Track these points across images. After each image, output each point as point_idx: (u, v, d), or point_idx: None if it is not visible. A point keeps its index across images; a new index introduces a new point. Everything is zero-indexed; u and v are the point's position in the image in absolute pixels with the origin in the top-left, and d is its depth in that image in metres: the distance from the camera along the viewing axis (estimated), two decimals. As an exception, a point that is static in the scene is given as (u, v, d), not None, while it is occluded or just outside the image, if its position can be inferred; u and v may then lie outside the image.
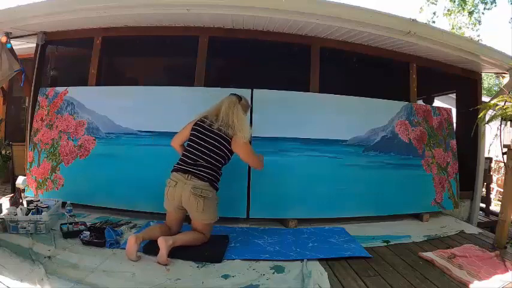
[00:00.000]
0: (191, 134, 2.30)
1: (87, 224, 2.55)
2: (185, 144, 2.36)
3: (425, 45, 3.30)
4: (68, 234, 2.36)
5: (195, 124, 2.32)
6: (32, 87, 3.45)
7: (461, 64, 3.85)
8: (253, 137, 2.96)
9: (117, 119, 3.08)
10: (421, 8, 9.28)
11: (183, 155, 2.29)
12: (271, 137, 3.00)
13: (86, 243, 2.25)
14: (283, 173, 2.98)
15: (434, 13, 9.21)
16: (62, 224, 2.47)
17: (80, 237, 2.30)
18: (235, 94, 2.42)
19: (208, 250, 2.20)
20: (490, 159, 4.70)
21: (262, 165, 2.45)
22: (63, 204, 2.70)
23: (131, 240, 2.03)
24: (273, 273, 2.00)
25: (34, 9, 3.05)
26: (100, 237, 2.30)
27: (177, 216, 2.29)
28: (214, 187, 2.24)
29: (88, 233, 2.33)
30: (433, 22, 9.17)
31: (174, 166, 2.28)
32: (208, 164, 2.22)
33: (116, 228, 2.49)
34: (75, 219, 2.56)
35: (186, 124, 2.39)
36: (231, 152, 2.29)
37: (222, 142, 2.24)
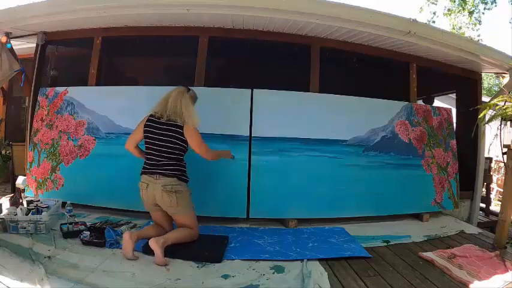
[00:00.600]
0: (145, 135, 2.30)
1: (87, 224, 2.56)
2: (144, 146, 2.36)
3: (425, 45, 3.30)
4: (68, 234, 2.37)
5: (146, 122, 2.31)
6: (32, 87, 3.45)
7: (461, 64, 3.85)
8: (254, 137, 2.97)
9: (117, 119, 3.08)
10: (421, 8, 9.28)
11: (146, 157, 2.31)
12: (271, 137, 3.00)
13: (86, 243, 2.26)
14: (283, 173, 2.98)
15: (434, 13, 9.22)
16: (62, 224, 2.47)
17: (80, 237, 2.31)
18: (183, 85, 2.45)
19: (208, 250, 2.21)
20: (490, 159, 4.70)
21: (212, 156, 2.43)
22: (63, 204, 2.70)
23: (125, 237, 2.06)
24: (273, 273, 2.01)
25: (34, 9, 3.05)
26: (100, 237, 2.30)
27: (160, 214, 2.32)
28: (183, 180, 2.28)
29: (88, 233, 2.34)
30: (433, 22, 9.17)
31: (142, 169, 2.31)
32: (170, 160, 2.25)
33: (115, 228, 2.49)
34: (75, 219, 2.56)
35: (136, 125, 2.38)
36: (186, 142, 2.31)
37: (175, 133, 2.25)
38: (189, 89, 2.43)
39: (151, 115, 2.32)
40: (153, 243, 2.02)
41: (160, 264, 2.00)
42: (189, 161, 2.90)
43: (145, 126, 2.30)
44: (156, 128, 2.27)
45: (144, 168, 2.30)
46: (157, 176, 2.22)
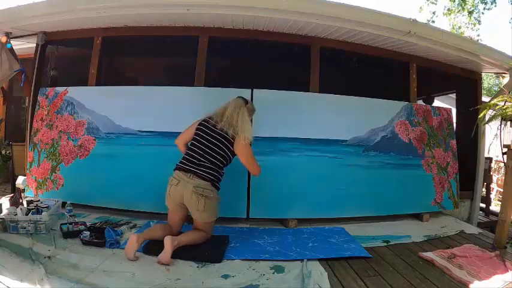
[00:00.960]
0: (195, 134, 2.32)
1: (87, 224, 2.56)
2: (189, 144, 2.37)
3: (425, 45, 3.30)
4: (68, 234, 2.37)
5: (200, 124, 2.34)
6: (32, 87, 3.45)
7: (461, 64, 3.85)
8: (254, 137, 2.97)
9: (117, 119, 3.08)
10: (420, 8, 9.28)
11: (187, 153, 2.31)
12: (271, 137, 3.00)
13: (86, 243, 2.26)
14: (283, 173, 2.98)
15: (433, 13, 9.22)
16: (62, 224, 2.47)
17: (80, 237, 2.30)
18: (242, 97, 2.46)
19: (208, 250, 2.20)
20: (490, 159, 4.70)
21: (259, 172, 2.44)
22: (63, 204, 2.70)
23: (132, 239, 2.04)
24: (273, 273, 2.00)
25: (34, 9, 3.05)
26: (100, 237, 2.30)
27: (178, 215, 2.30)
28: (215, 187, 2.26)
29: (88, 233, 2.34)
30: (433, 22, 9.17)
31: (177, 165, 2.30)
32: (210, 164, 2.24)
33: (115, 228, 2.49)
34: (75, 219, 2.56)
35: (191, 123, 2.41)
36: (233, 154, 2.31)
37: (225, 142, 2.26)
38: (247, 102, 2.45)
39: (208, 118, 2.34)
40: (168, 242, 2.01)
41: (164, 263, 1.99)
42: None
43: (200, 125, 2.33)
44: (208, 130, 2.29)
45: (180, 163, 2.28)
46: (192, 175, 2.20)
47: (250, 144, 2.33)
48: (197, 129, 2.33)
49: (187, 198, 2.18)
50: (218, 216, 2.33)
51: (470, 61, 3.66)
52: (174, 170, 2.29)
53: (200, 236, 2.25)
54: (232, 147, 2.27)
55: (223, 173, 2.33)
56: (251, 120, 2.90)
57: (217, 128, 2.28)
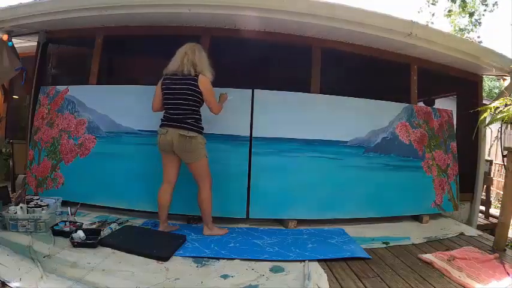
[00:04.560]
0: (163, 93, 2.47)
1: (84, 224, 2.53)
2: (163, 103, 2.52)
3: (426, 47, 3.30)
4: (59, 234, 2.33)
5: (162, 83, 2.48)
6: (33, 86, 3.45)
7: (462, 66, 3.84)
8: (254, 137, 2.97)
9: (118, 118, 3.09)
10: (420, 9, 9.27)
11: (165, 112, 2.49)
12: (272, 138, 3.00)
13: (78, 245, 2.19)
14: (283, 173, 2.98)
15: (433, 14, 9.23)
16: (54, 226, 2.41)
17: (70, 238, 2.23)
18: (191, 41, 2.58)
19: (158, 248, 2.18)
20: (490, 162, 4.70)
21: (219, 110, 2.58)
22: (64, 202, 2.70)
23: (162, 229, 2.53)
24: (272, 273, 2.00)
25: (36, 8, 3.06)
26: (94, 238, 2.24)
27: (173, 164, 2.51)
28: (198, 129, 2.45)
29: (81, 234, 2.24)
30: (432, 23, 9.17)
31: (161, 123, 2.48)
32: (187, 113, 2.42)
33: (106, 226, 2.49)
34: (75, 218, 2.56)
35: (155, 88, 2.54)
36: (201, 93, 2.43)
37: (191, 86, 2.40)
38: (198, 43, 2.58)
39: (165, 75, 2.48)
40: (208, 232, 2.54)
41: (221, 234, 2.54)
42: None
43: (163, 85, 2.47)
44: (172, 84, 2.43)
45: (162, 121, 2.48)
46: (176, 126, 2.41)
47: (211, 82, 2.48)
48: (162, 88, 2.47)
49: (176, 143, 2.39)
50: (207, 156, 2.49)
51: (471, 63, 3.66)
52: (160, 126, 2.48)
53: (206, 199, 2.51)
54: (198, 88, 2.40)
55: (200, 114, 2.50)
56: (251, 121, 2.93)
57: (178, 76, 2.41)
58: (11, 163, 4.00)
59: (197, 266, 2.05)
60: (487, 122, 2.78)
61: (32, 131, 3.29)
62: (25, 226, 2.35)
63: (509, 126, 2.65)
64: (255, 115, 2.99)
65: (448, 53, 3.40)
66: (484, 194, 4.55)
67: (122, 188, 2.96)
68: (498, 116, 2.66)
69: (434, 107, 4.34)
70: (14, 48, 3.42)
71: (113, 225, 2.56)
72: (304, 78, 3.40)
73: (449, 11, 8.92)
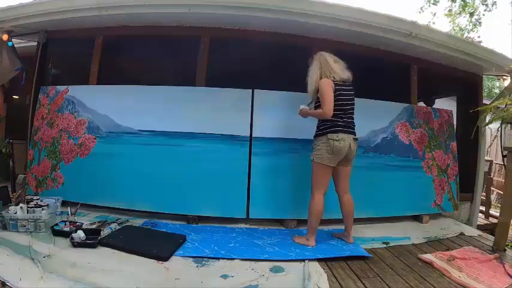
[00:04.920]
0: (337, 97, 2.43)
1: (84, 224, 2.53)
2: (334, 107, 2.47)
3: (426, 47, 3.30)
4: (59, 234, 2.33)
5: (336, 89, 2.44)
6: (33, 86, 3.45)
7: (462, 66, 3.84)
8: (254, 137, 2.97)
9: (118, 118, 3.09)
10: (421, 9, 9.26)
11: (339, 118, 2.44)
12: (272, 138, 3.00)
13: (78, 245, 2.20)
14: (283, 173, 2.97)
15: (434, 14, 9.26)
16: (54, 226, 2.42)
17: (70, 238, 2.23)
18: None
19: (158, 248, 2.19)
20: (490, 162, 4.70)
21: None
22: (64, 202, 2.70)
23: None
24: (272, 273, 2.00)
25: (36, 8, 3.06)
26: (93, 238, 2.25)
27: (343, 171, 2.53)
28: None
29: (81, 234, 2.26)
30: (433, 23, 9.17)
31: (337, 128, 2.42)
32: (353, 118, 2.54)
33: (106, 226, 2.48)
34: (75, 218, 2.55)
35: (325, 89, 2.42)
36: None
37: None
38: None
39: (333, 79, 2.46)
40: (297, 240, 2.53)
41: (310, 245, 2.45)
42: (190, 161, 2.91)
43: (337, 90, 2.44)
44: (343, 88, 2.46)
45: (339, 127, 2.43)
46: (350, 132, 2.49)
47: None
48: (336, 91, 2.42)
49: (353, 148, 2.47)
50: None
51: (471, 63, 3.66)
52: (335, 133, 2.40)
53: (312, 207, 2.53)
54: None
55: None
56: (251, 121, 2.92)
57: (346, 83, 2.49)
58: (11, 163, 4.01)
59: (197, 266, 2.05)
60: (486, 121, 2.78)
61: (32, 130, 3.29)
62: (25, 226, 2.36)
63: (509, 126, 2.65)
64: (255, 115, 2.98)
65: (449, 53, 3.41)
66: (484, 194, 4.54)
67: (122, 188, 2.96)
68: (498, 116, 2.66)
69: (434, 107, 4.34)
70: (14, 48, 3.42)
71: (113, 225, 2.56)
72: (304, 78, 3.39)
73: (450, 10, 8.93)
